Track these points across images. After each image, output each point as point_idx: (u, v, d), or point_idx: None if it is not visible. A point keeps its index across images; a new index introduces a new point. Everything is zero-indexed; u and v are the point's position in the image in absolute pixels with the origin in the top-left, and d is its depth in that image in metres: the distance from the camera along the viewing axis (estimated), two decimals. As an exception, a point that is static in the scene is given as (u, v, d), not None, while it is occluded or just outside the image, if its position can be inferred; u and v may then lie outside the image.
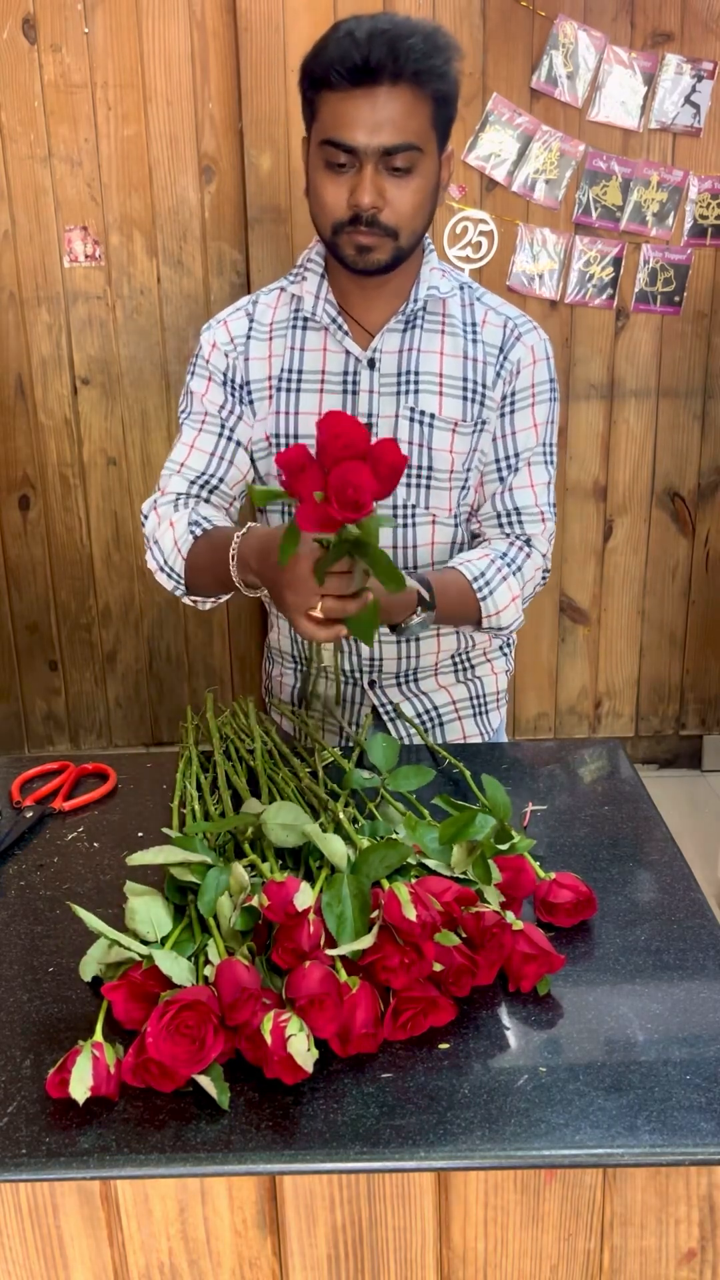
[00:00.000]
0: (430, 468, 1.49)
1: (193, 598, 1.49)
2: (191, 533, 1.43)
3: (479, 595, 1.46)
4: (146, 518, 1.51)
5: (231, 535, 1.34)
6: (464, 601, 1.45)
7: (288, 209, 2.74)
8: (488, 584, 1.46)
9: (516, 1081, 0.89)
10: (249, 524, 1.35)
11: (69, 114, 2.70)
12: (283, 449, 1.49)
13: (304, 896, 0.93)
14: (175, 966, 0.92)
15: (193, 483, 1.50)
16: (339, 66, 1.29)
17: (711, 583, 3.12)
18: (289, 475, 1.09)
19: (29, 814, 1.32)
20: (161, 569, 1.47)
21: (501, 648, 1.67)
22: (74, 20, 2.64)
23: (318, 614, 1.18)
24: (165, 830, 1.14)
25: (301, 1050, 0.87)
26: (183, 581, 1.46)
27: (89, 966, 1.01)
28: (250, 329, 1.52)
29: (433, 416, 1.48)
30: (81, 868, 1.22)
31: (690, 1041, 0.94)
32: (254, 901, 0.95)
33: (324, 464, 1.08)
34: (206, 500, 1.51)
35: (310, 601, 1.17)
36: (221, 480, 1.51)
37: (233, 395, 1.51)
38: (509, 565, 1.49)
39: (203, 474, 1.51)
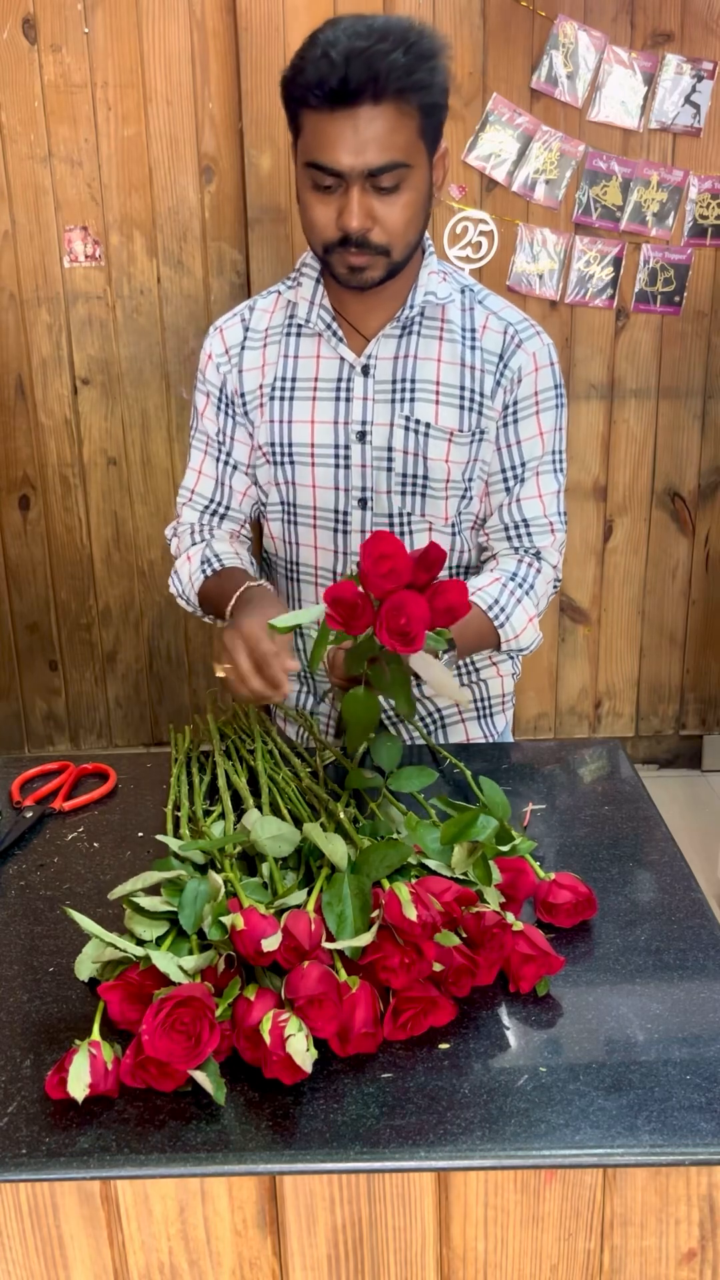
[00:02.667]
0: (426, 477, 1.47)
1: (208, 618, 1.58)
2: (203, 571, 1.52)
3: (496, 623, 1.44)
4: (170, 540, 1.63)
5: (232, 590, 1.41)
6: (482, 632, 1.44)
7: (288, 209, 2.74)
8: (503, 610, 1.45)
9: (516, 1081, 0.89)
10: (247, 584, 1.41)
11: (69, 114, 2.70)
12: (278, 458, 1.50)
13: (272, 941, 0.92)
14: (172, 966, 0.92)
15: (204, 511, 1.59)
16: (317, 90, 1.24)
17: (711, 583, 3.12)
18: (341, 616, 1.10)
19: (29, 814, 1.32)
20: (180, 596, 1.58)
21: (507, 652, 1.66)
22: (74, 20, 2.64)
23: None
24: (159, 837, 1.14)
25: (300, 1050, 0.87)
26: (198, 609, 1.57)
27: (84, 966, 1.01)
28: (245, 337, 1.52)
29: (428, 425, 1.46)
30: (81, 868, 1.22)
31: (690, 1041, 0.94)
32: (226, 919, 0.95)
33: (368, 587, 1.09)
34: (219, 525, 1.59)
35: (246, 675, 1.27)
36: (228, 507, 1.58)
37: (228, 415, 1.54)
38: (521, 586, 1.47)
39: (211, 501, 1.58)
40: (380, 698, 1.18)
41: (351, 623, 1.10)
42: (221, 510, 1.58)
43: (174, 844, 1.11)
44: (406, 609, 1.06)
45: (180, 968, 0.93)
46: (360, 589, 1.09)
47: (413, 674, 1.18)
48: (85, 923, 0.97)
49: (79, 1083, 0.86)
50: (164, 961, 0.92)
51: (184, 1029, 0.86)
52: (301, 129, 1.31)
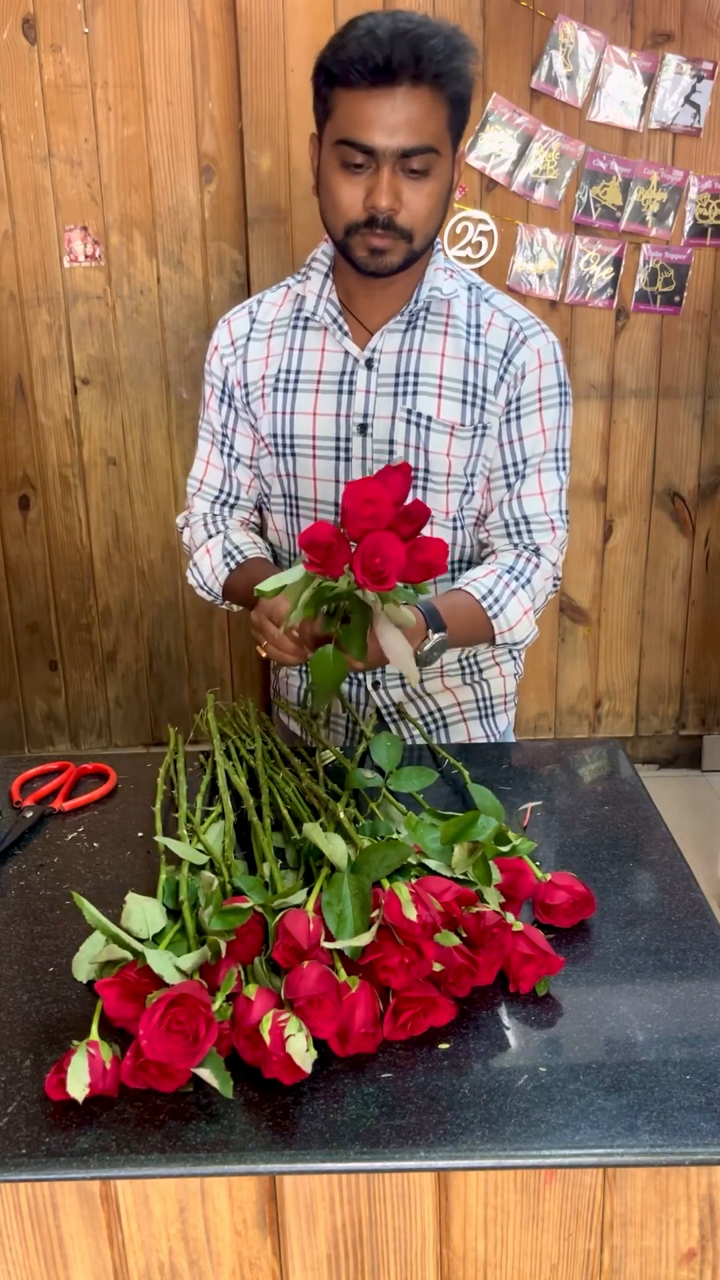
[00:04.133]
0: (427, 470, 1.48)
1: (235, 608, 1.61)
2: (226, 565, 1.55)
3: (489, 613, 1.44)
4: (183, 530, 1.65)
5: (258, 580, 1.43)
6: (475, 623, 1.43)
7: (288, 209, 2.74)
8: (497, 600, 1.44)
9: (516, 1081, 0.89)
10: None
11: (69, 114, 2.70)
12: (280, 450, 1.51)
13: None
14: (166, 966, 0.92)
15: (214, 501, 1.62)
16: (359, 65, 1.27)
17: (711, 583, 3.12)
18: (318, 558, 1.11)
19: (29, 814, 1.32)
20: (200, 588, 1.60)
21: (511, 651, 1.65)
22: (74, 20, 2.64)
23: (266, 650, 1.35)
24: (157, 839, 1.14)
25: (300, 1050, 0.87)
26: (220, 600, 1.60)
27: (82, 967, 1.01)
28: (251, 329, 1.53)
29: (430, 419, 1.46)
30: (81, 868, 1.22)
31: (690, 1041, 0.94)
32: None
33: (350, 532, 1.10)
34: (230, 514, 1.62)
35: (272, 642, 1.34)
36: (236, 496, 1.61)
37: (230, 407, 1.55)
38: (517, 579, 1.47)
39: (220, 491, 1.61)
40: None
41: (329, 562, 1.11)
42: (231, 500, 1.61)
43: (175, 845, 1.11)
44: (384, 549, 1.08)
45: (176, 967, 0.92)
46: (336, 529, 1.11)
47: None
48: (90, 910, 0.96)
49: (78, 1083, 0.86)
50: (158, 961, 0.92)
51: (180, 1028, 0.86)
52: (334, 109, 1.33)
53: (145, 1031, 0.86)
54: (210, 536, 1.60)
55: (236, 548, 1.56)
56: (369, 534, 1.09)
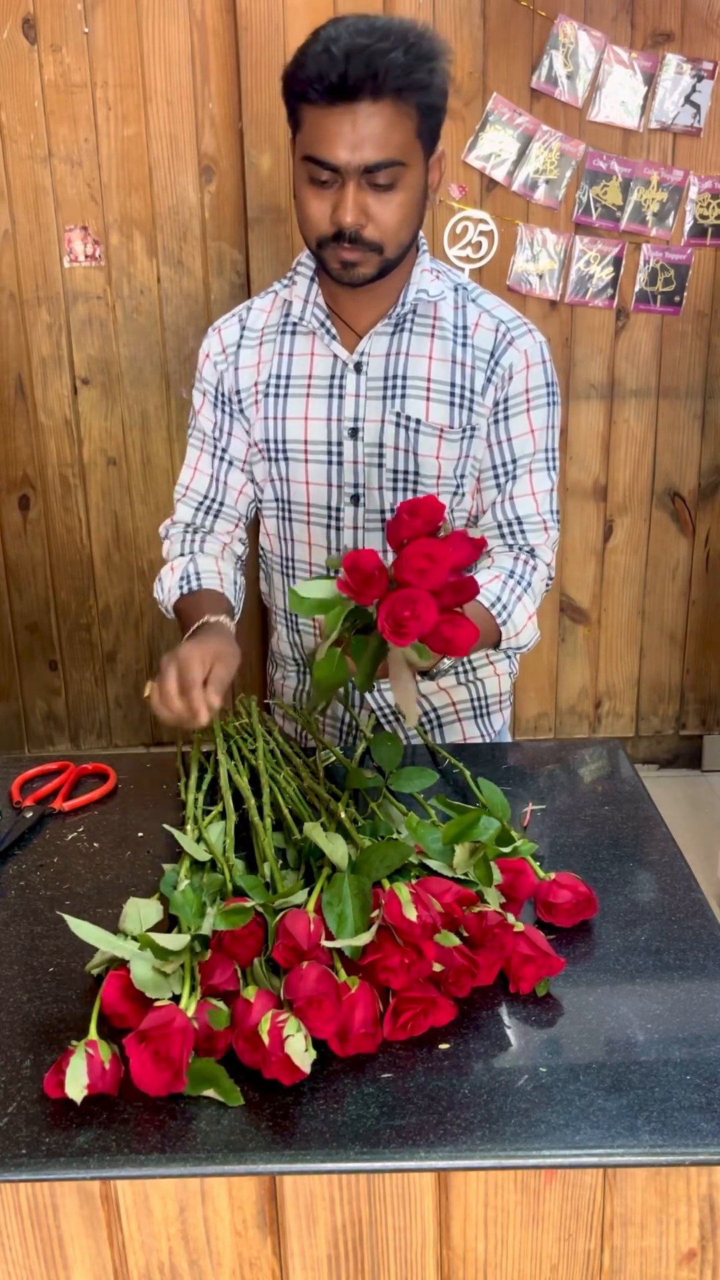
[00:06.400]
0: (417, 473, 1.47)
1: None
2: (180, 588, 1.52)
3: (499, 620, 1.43)
4: (163, 541, 1.63)
5: (195, 619, 1.43)
6: (485, 630, 1.42)
7: (288, 209, 2.74)
8: (505, 607, 1.44)
9: (516, 1081, 0.89)
10: (205, 618, 1.42)
11: (69, 114, 2.70)
12: (272, 455, 1.50)
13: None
14: (149, 976, 0.92)
15: (197, 508, 1.59)
16: (317, 84, 1.26)
17: (711, 583, 3.12)
18: (354, 582, 1.08)
19: (29, 814, 1.32)
20: (161, 604, 1.57)
21: (507, 651, 1.65)
22: (74, 20, 2.64)
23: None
24: (166, 826, 1.14)
25: (299, 1051, 0.87)
26: (177, 619, 1.55)
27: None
28: (241, 336, 1.53)
29: (419, 421, 1.46)
30: (81, 868, 1.22)
31: (690, 1041, 0.94)
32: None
33: (395, 574, 1.07)
34: (214, 522, 1.59)
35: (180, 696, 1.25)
36: (222, 503, 1.59)
37: (224, 412, 1.54)
38: (520, 583, 1.47)
39: (205, 497, 1.59)
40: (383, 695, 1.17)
41: (362, 592, 1.08)
42: (216, 507, 1.58)
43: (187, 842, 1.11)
44: (418, 607, 1.05)
45: (157, 970, 0.92)
46: (381, 563, 1.08)
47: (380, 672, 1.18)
48: (77, 926, 0.96)
49: (76, 1084, 0.86)
50: (139, 966, 0.92)
51: (161, 1058, 0.86)
52: (301, 123, 1.32)
53: (135, 1064, 0.87)
54: (181, 555, 1.57)
55: (196, 574, 1.52)
56: (411, 588, 1.06)
